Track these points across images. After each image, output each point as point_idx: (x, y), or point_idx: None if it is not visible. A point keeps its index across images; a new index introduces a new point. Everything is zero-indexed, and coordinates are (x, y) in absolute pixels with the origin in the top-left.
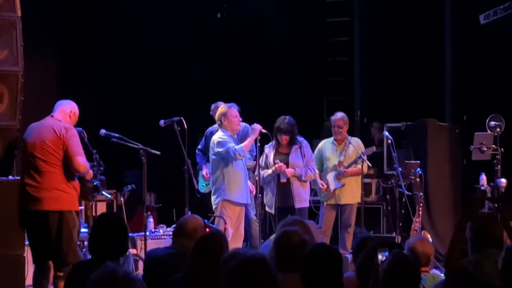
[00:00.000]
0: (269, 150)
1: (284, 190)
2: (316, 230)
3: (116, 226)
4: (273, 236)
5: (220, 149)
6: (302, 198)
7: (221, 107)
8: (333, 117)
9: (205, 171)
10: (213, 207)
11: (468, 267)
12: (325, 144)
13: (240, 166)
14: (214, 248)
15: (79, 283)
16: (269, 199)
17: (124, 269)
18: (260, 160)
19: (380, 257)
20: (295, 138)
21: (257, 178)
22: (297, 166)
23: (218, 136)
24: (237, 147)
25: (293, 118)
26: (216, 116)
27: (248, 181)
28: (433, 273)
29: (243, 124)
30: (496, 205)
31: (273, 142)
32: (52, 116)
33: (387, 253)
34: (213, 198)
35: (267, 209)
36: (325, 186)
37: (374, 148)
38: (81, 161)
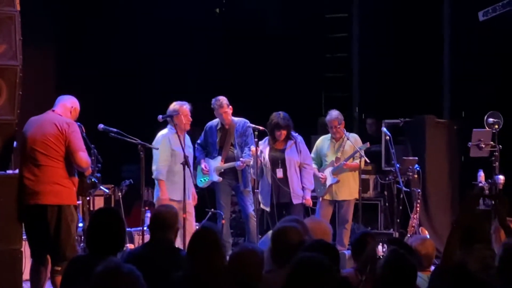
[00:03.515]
0: (264, 146)
1: (280, 186)
2: (326, 230)
3: (113, 221)
4: (270, 232)
5: (153, 165)
6: (298, 194)
7: (173, 104)
8: (327, 118)
9: (203, 165)
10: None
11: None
12: (323, 141)
13: (177, 164)
14: (210, 246)
15: (76, 277)
16: (264, 196)
17: (129, 265)
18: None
19: (380, 249)
20: (291, 132)
21: (253, 174)
22: (293, 161)
23: (159, 138)
24: (160, 173)
25: (287, 113)
26: (168, 112)
27: (192, 188)
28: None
29: (242, 119)
30: (493, 202)
31: (268, 138)
32: (53, 111)
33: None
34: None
35: (261, 206)
36: (325, 176)
37: (368, 144)
38: (83, 156)
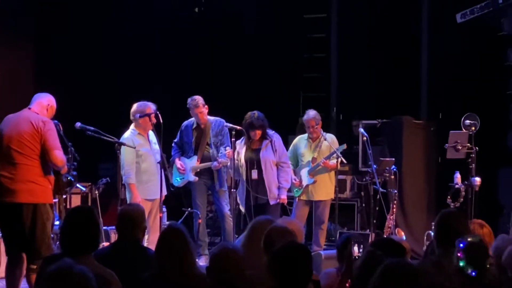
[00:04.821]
0: (240, 147)
1: (256, 186)
2: (300, 229)
3: (88, 220)
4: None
5: (121, 170)
6: (274, 194)
7: (136, 105)
8: (305, 118)
9: (179, 164)
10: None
11: (429, 266)
12: (300, 141)
13: (148, 164)
14: (177, 244)
15: None
16: (241, 197)
17: (81, 266)
18: (231, 154)
19: (355, 250)
20: (266, 132)
21: (231, 173)
22: (269, 161)
23: (126, 137)
24: (128, 177)
25: (261, 112)
26: (132, 113)
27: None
28: None
29: (218, 119)
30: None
31: (244, 138)
32: (30, 109)
33: None
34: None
35: (240, 207)
36: (298, 181)
37: (345, 146)
38: (58, 155)
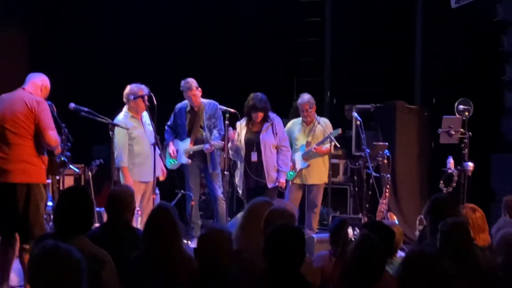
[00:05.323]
0: (240, 128)
1: (255, 169)
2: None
3: (81, 200)
4: (240, 214)
5: (115, 150)
6: (273, 177)
7: (130, 87)
8: (299, 101)
9: (171, 149)
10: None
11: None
12: (294, 125)
13: (141, 146)
14: (165, 225)
15: None
16: (240, 179)
17: (67, 245)
18: (233, 136)
19: (350, 232)
20: (268, 115)
21: (225, 157)
22: (268, 144)
23: (119, 119)
24: (120, 160)
25: (264, 95)
26: (125, 95)
27: (161, 162)
28: (400, 257)
29: (212, 101)
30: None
31: (245, 119)
32: (24, 89)
33: None
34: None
35: (238, 189)
36: (291, 165)
37: (340, 130)
38: (52, 135)
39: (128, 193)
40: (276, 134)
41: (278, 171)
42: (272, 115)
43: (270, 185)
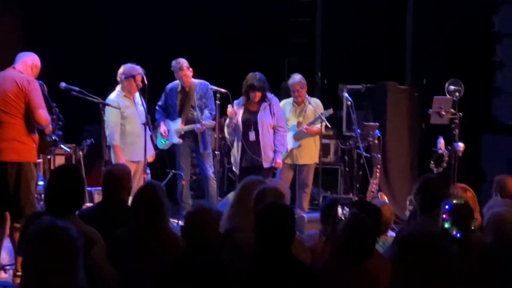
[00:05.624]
0: (238, 108)
1: (253, 148)
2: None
3: (72, 179)
4: (231, 194)
5: (106, 131)
6: (269, 157)
7: (124, 66)
8: (290, 82)
9: (162, 129)
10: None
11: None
12: (285, 105)
13: (133, 126)
14: (152, 201)
15: None
16: (235, 158)
17: (63, 223)
18: (233, 113)
19: (340, 211)
20: (266, 95)
21: (216, 136)
22: (266, 124)
23: (111, 98)
24: (112, 139)
25: (263, 74)
26: (118, 74)
27: (150, 143)
28: (391, 237)
29: (203, 81)
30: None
31: (242, 98)
32: (14, 68)
33: None
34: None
35: (233, 168)
36: None
37: (331, 111)
38: (42, 114)
39: (125, 172)
40: (274, 114)
41: (274, 151)
42: (270, 95)
43: (265, 165)
